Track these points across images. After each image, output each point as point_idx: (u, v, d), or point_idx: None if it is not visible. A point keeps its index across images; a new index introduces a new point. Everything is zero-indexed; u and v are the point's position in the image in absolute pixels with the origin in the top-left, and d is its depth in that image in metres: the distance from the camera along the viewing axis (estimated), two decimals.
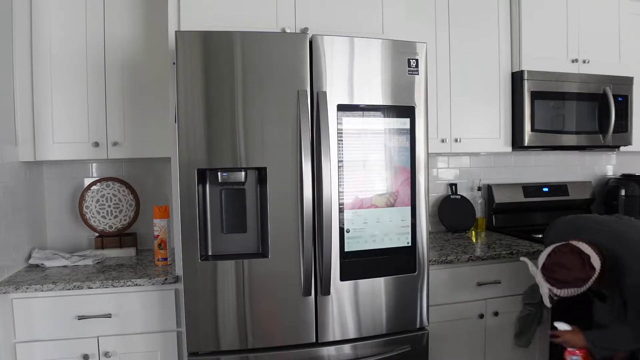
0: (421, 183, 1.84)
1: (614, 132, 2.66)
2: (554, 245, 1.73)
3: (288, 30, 1.96)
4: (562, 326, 1.80)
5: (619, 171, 3.28)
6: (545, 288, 1.70)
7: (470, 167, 2.96)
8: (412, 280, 1.85)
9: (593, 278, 1.64)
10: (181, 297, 1.82)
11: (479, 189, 2.92)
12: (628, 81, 2.71)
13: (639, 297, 1.64)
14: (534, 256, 2.27)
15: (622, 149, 2.82)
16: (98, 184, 2.37)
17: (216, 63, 1.63)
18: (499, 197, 2.88)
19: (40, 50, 2.07)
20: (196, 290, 1.66)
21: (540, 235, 2.59)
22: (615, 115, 2.63)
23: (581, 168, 3.21)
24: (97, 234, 2.38)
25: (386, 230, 1.80)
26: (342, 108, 1.74)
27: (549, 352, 2.32)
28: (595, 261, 1.65)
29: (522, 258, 1.92)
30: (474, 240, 2.57)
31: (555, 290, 1.67)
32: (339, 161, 1.73)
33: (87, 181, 2.40)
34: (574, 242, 1.71)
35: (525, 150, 2.88)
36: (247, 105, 1.66)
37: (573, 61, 2.64)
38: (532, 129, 2.55)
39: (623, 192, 3.00)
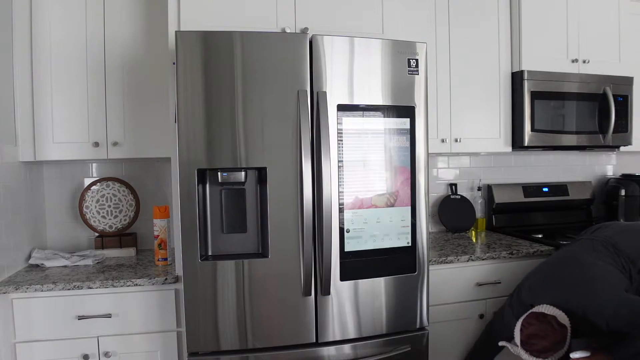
0: (421, 183, 1.84)
1: (614, 132, 2.66)
2: (521, 319, 1.75)
3: (288, 30, 1.96)
4: (578, 355, 1.70)
5: (619, 171, 3.28)
6: None
7: (470, 167, 2.96)
8: (412, 280, 1.85)
9: (569, 334, 1.67)
10: (181, 297, 1.82)
11: (479, 189, 2.92)
12: (628, 81, 2.71)
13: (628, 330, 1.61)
14: (533, 256, 2.28)
15: (622, 149, 2.82)
16: (98, 184, 2.38)
17: (216, 63, 1.64)
18: (499, 197, 2.88)
19: (40, 50, 2.07)
20: (196, 290, 1.66)
21: (540, 235, 2.59)
22: (615, 115, 2.63)
23: (581, 168, 3.21)
24: (97, 234, 2.38)
25: (386, 230, 1.80)
26: (342, 108, 1.74)
27: None
28: (563, 318, 1.69)
29: (501, 343, 1.84)
30: (474, 240, 2.57)
31: None
32: (339, 161, 1.74)
33: (87, 181, 2.40)
34: (536, 309, 1.74)
35: (525, 150, 2.88)
36: (247, 105, 1.66)
37: (573, 61, 2.64)
38: (532, 129, 2.55)
39: (623, 192, 3.00)
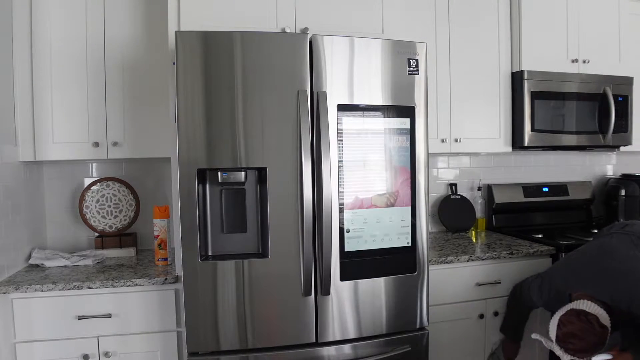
0: (421, 183, 1.84)
1: (614, 132, 2.66)
2: (559, 315, 1.68)
3: (288, 30, 1.96)
4: (601, 358, 1.64)
5: (619, 171, 3.28)
6: (567, 359, 1.66)
7: (470, 167, 2.96)
8: (412, 280, 1.85)
9: (608, 336, 1.61)
10: (181, 297, 1.82)
11: (479, 189, 2.92)
12: (628, 81, 2.71)
13: None
14: (533, 256, 2.28)
15: (622, 149, 2.82)
16: (98, 184, 2.37)
17: (216, 63, 1.64)
18: (499, 197, 2.88)
19: (40, 50, 2.07)
20: (196, 290, 1.66)
21: (540, 235, 2.59)
22: (615, 115, 2.63)
23: (581, 168, 3.21)
24: (97, 234, 2.38)
25: (386, 230, 1.80)
26: (342, 108, 1.74)
27: (549, 352, 2.32)
28: (604, 319, 1.61)
29: (533, 335, 1.79)
30: (474, 240, 2.57)
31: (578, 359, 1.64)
32: (339, 161, 1.73)
33: (87, 181, 2.40)
34: (576, 305, 1.66)
35: (525, 150, 2.88)
36: (247, 105, 1.66)
37: (573, 61, 2.64)
38: (532, 129, 2.55)
39: (623, 192, 3.00)
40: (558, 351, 1.67)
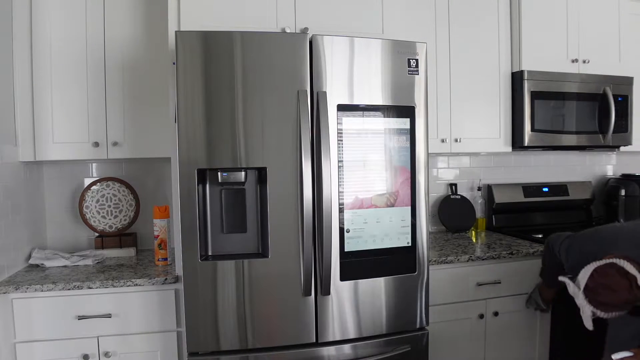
0: (421, 183, 1.84)
1: (614, 132, 2.66)
2: (595, 265, 1.60)
3: (288, 30, 1.96)
4: (621, 355, 1.58)
5: (619, 171, 3.28)
6: (588, 310, 1.56)
7: (470, 167, 2.96)
8: (412, 280, 1.85)
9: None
10: (181, 297, 1.82)
11: (479, 189, 2.92)
12: (628, 81, 2.71)
13: None
14: (533, 256, 2.28)
15: (622, 149, 2.82)
16: (98, 184, 2.38)
17: (216, 63, 1.64)
18: (499, 197, 2.88)
19: (40, 50, 2.07)
20: (196, 290, 1.66)
21: (540, 235, 2.59)
22: (615, 115, 2.63)
23: (581, 168, 3.21)
24: (97, 234, 2.38)
25: (386, 230, 1.80)
26: (342, 108, 1.74)
27: (549, 351, 2.32)
28: None
29: (560, 277, 1.69)
30: (474, 240, 2.57)
31: (600, 313, 1.56)
32: (339, 161, 1.74)
33: (87, 181, 2.40)
34: (617, 260, 1.57)
35: (525, 150, 2.88)
36: (247, 105, 1.66)
37: (573, 61, 2.64)
38: (532, 129, 2.55)
39: (623, 192, 3.00)
40: (582, 300, 1.58)
